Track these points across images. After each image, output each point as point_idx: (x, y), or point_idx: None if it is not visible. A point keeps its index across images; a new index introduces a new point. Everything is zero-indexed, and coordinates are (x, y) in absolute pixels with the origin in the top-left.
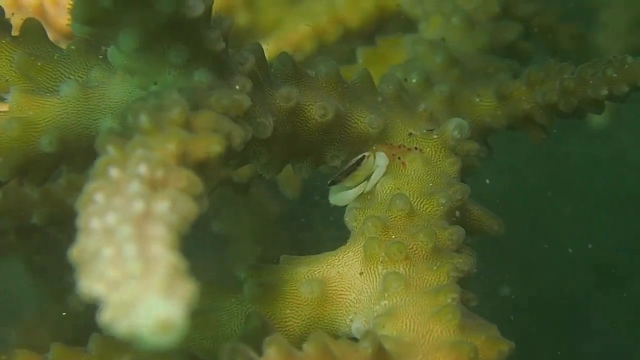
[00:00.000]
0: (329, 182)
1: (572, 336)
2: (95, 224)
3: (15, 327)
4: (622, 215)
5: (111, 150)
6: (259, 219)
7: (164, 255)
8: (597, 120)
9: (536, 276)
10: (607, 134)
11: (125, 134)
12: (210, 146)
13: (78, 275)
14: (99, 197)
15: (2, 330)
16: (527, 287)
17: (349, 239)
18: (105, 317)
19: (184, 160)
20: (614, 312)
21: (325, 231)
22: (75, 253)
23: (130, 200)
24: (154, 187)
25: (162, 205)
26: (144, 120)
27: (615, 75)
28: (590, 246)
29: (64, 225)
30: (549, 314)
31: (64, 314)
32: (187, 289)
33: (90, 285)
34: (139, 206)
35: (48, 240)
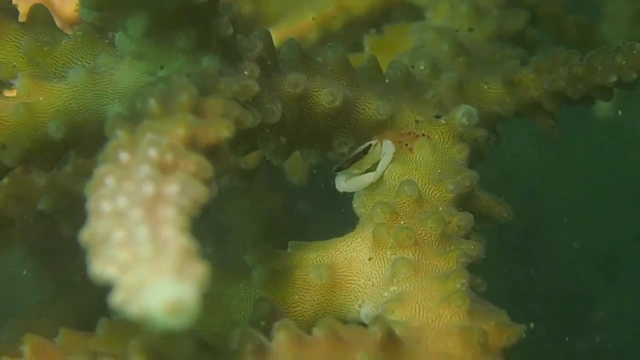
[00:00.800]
0: (334, 169)
1: (574, 327)
2: (106, 207)
3: (20, 316)
4: (627, 205)
5: (120, 134)
6: (262, 209)
7: (174, 237)
8: (603, 109)
9: (538, 266)
10: (612, 123)
11: (134, 119)
12: (220, 131)
13: (89, 258)
14: (109, 181)
15: (7, 320)
16: (529, 278)
17: (353, 227)
18: (117, 298)
19: (193, 144)
20: (616, 303)
21: (329, 220)
22: (85, 236)
23: (140, 183)
24: (164, 170)
25: (172, 188)
26: (152, 104)
27: (624, 62)
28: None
29: (70, 212)
30: (551, 305)
31: (69, 303)
32: (199, 271)
33: (102, 267)
34: (149, 189)
35: (54, 229)
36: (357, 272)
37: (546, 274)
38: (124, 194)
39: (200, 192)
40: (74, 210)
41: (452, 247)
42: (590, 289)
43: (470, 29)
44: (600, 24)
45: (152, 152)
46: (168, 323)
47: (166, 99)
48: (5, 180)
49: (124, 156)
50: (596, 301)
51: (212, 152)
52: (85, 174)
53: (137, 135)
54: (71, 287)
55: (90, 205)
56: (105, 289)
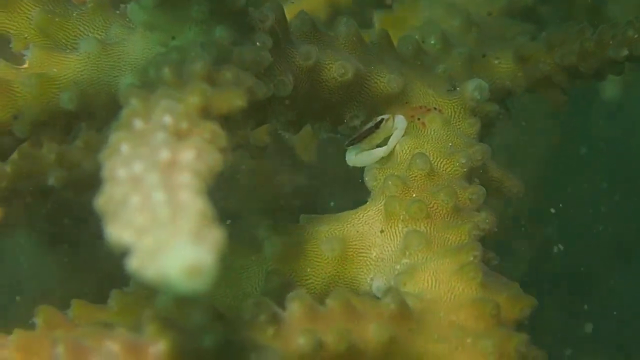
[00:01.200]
0: (345, 143)
1: (583, 311)
2: (121, 173)
3: (26, 298)
4: (634, 191)
5: (135, 102)
6: (268, 192)
7: (191, 201)
8: (610, 93)
9: (547, 251)
10: (618, 109)
11: (147, 88)
12: (233, 100)
13: (104, 225)
14: (124, 147)
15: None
16: (537, 263)
17: (364, 202)
18: (134, 263)
19: (206, 113)
20: (626, 288)
21: (340, 196)
22: (101, 202)
23: (155, 149)
24: (179, 137)
25: (187, 154)
26: (166, 72)
27: (635, 36)
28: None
29: (79, 188)
30: (560, 290)
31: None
32: (216, 235)
33: (118, 232)
34: (164, 155)
35: (61, 210)
36: (369, 245)
37: (556, 257)
38: (140, 159)
39: (215, 159)
40: (84, 186)
41: (465, 220)
42: (599, 273)
43: (489, 13)
44: (608, 6)
45: (167, 119)
46: (185, 287)
47: (180, 68)
48: (15, 155)
49: (138, 123)
50: (605, 284)
51: (225, 121)
52: (96, 149)
53: (151, 103)
54: (78, 264)
55: (106, 172)
56: (114, 264)
